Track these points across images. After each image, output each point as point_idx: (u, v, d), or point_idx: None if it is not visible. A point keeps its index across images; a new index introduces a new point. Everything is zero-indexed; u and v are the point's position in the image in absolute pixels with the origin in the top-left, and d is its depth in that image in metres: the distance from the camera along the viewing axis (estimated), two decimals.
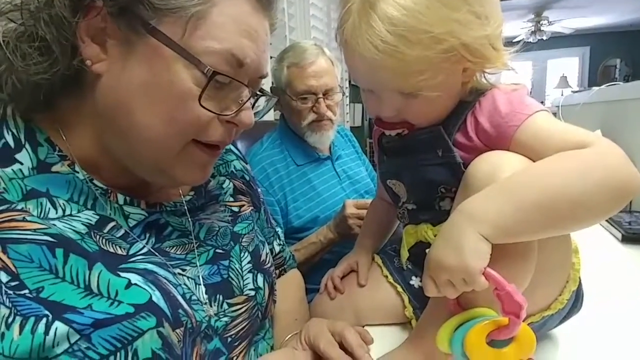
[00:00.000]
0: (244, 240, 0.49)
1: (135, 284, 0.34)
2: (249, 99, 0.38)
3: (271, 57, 1.03)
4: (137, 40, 0.34)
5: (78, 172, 0.37)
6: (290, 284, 0.64)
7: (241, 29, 0.36)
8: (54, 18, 0.32)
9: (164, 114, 0.35)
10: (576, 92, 1.53)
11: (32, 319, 0.29)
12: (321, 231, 0.87)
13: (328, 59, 0.95)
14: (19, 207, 0.32)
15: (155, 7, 0.32)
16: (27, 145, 0.35)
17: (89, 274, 0.32)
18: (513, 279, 0.33)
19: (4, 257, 0.30)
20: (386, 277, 0.56)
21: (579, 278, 0.42)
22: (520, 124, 0.39)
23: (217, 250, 0.45)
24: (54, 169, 0.36)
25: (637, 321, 0.52)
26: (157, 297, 0.35)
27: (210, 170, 0.43)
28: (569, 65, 6.42)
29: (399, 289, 0.54)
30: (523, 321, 0.33)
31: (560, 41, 5.77)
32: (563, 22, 5.09)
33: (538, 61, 6.56)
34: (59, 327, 0.29)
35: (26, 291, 0.30)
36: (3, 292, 0.29)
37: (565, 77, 5.88)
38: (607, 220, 0.92)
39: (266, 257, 0.52)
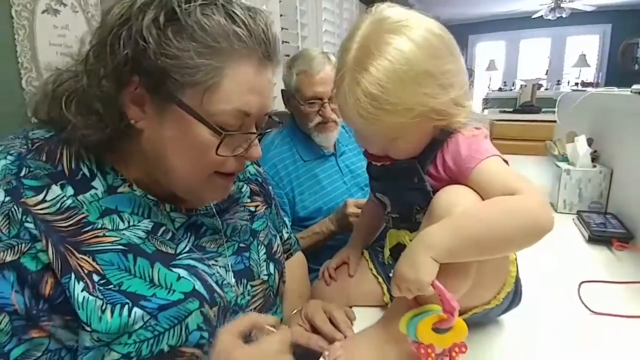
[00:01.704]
0: (260, 235, 0.63)
1: (183, 277, 0.48)
2: (255, 137, 0.50)
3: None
4: (167, 105, 0.44)
5: (136, 190, 0.49)
6: (296, 265, 0.78)
7: (247, 88, 0.45)
8: (104, 94, 0.43)
9: (191, 160, 0.47)
10: (575, 90, 1.58)
11: (118, 306, 0.42)
12: (324, 222, 1.00)
13: (334, 66, 1.04)
14: (99, 226, 0.45)
15: (179, 82, 0.43)
16: (98, 174, 0.47)
17: (152, 271, 0.46)
18: (454, 288, 0.46)
19: (94, 264, 0.43)
20: (371, 269, 0.70)
21: (514, 283, 0.55)
22: (474, 167, 0.49)
23: (241, 245, 0.59)
24: (119, 190, 0.48)
25: (575, 312, 0.65)
26: (198, 285, 0.49)
27: (230, 189, 0.55)
28: (589, 43, 6.22)
29: (380, 279, 0.68)
30: (460, 316, 0.47)
31: (581, 17, 5.54)
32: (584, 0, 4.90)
33: (557, 38, 6.37)
34: (136, 311, 0.43)
35: (111, 286, 0.43)
36: (97, 288, 0.42)
37: (584, 55, 5.69)
38: (579, 220, 1.03)
39: (277, 248, 0.66)
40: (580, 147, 1.14)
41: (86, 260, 0.42)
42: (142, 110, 0.45)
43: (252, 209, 0.66)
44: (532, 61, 6.68)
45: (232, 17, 0.43)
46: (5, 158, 0.43)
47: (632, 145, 1.01)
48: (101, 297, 0.42)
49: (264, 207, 0.69)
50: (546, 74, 6.32)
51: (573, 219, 1.08)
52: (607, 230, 0.93)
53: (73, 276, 0.41)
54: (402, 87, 0.46)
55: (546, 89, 5.47)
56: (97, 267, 0.43)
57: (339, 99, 0.51)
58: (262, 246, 0.63)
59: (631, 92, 1.00)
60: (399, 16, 0.49)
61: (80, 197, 0.45)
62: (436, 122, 0.50)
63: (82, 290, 0.41)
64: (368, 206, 0.78)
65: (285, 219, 0.83)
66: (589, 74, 6.02)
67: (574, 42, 6.29)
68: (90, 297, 0.41)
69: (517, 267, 0.56)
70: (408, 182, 0.56)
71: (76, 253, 0.42)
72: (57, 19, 0.98)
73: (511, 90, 5.11)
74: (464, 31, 7.01)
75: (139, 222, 0.48)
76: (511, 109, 3.42)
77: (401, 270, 0.46)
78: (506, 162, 0.52)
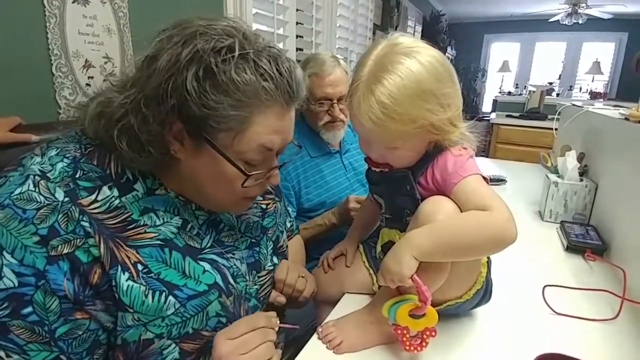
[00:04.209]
0: (269, 232, 0.72)
1: (208, 271, 0.57)
2: (275, 167, 0.58)
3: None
4: (202, 144, 0.51)
5: (170, 192, 0.57)
6: (293, 243, 0.89)
7: (271, 130, 0.53)
8: (153, 136, 0.50)
9: (220, 188, 0.55)
10: (576, 106, 1.64)
11: (157, 292, 0.51)
12: (326, 215, 1.09)
13: (343, 69, 1.12)
14: (142, 223, 0.53)
15: (214, 127, 0.50)
16: (140, 179, 0.55)
17: (184, 263, 0.55)
18: (430, 282, 0.55)
19: (138, 256, 0.51)
20: (364, 262, 0.79)
21: (484, 282, 0.64)
22: (457, 182, 0.58)
23: (252, 240, 0.68)
24: (156, 192, 0.56)
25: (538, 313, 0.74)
26: (218, 279, 0.58)
27: (250, 204, 0.65)
28: (604, 51, 6.17)
29: (371, 271, 0.77)
30: (436, 307, 0.56)
31: (598, 24, 5.50)
32: (602, 7, 4.86)
33: (573, 42, 6.32)
34: (170, 299, 0.52)
35: (152, 274, 0.51)
36: (141, 276, 0.50)
37: (599, 62, 5.66)
38: (561, 230, 1.11)
39: (283, 242, 0.75)
40: (570, 162, 1.21)
41: (132, 253, 0.51)
42: (182, 145, 0.52)
43: (264, 206, 0.74)
44: (545, 64, 6.65)
45: (260, 73, 0.50)
46: (62, 161, 0.50)
47: (615, 163, 1.08)
48: (144, 284, 0.50)
49: (275, 203, 0.77)
50: (559, 78, 6.31)
51: (556, 228, 1.16)
52: (583, 241, 1.01)
53: (120, 268, 0.49)
54: (409, 101, 0.54)
55: (558, 94, 5.48)
56: (141, 258, 0.51)
57: (353, 105, 0.58)
58: (270, 242, 0.72)
59: (619, 114, 1.07)
60: (410, 43, 0.58)
61: (123, 198, 0.52)
62: (432, 136, 0.59)
63: (127, 280, 0.49)
64: (366, 204, 0.87)
65: (290, 209, 0.92)
66: (601, 83, 5.99)
67: (589, 48, 6.25)
68: (135, 284, 0.50)
69: (488, 269, 0.65)
70: (401, 188, 0.65)
71: (124, 247, 0.50)
72: (86, 9, 1.05)
73: (520, 95, 5.11)
74: (480, 30, 6.97)
75: (171, 219, 0.57)
76: (518, 114, 3.45)
77: (387, 264, 0.56)
78: (486, 179, 0.60)
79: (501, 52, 7.01)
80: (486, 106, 6.89)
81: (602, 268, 0.92)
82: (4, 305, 0.43)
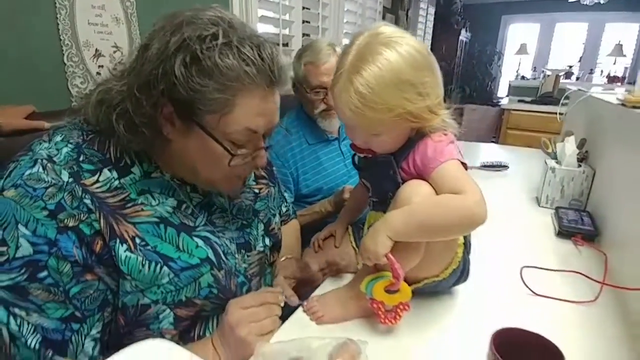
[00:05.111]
0: (260, 215, 0.77)
1: (200, 246, 0.62)
2: (261, 148, 0.62)
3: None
4: (191, 125, 0.56)
5: (165, 175, 0.63)
6: (290, 227, 0.95)
7: (255, 112, 0.57)
8: (146, 117, 0.55)
9: (209, 166, 0.60)
10: (582, 91, 1.62)
11: (153, 263, 0.57)
12: (323, 204, 1.13)
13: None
14: (139, 202, 0.58)
15: (201, 110, 0.54)
16: (137, 162, 0.60)
17: (178, 238, 0.60)
18: (406, 261, 0.59)
19: (136, 230, 0.57)
20: (351, 242, 0.83)
21: (460, 262, 0.67)
22: (435, 167, 0.60)
23: (243, 222, 0.73)
24: (152, 175, 0.61)
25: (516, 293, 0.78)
26: (210, 254, 0.63)
27: (240, 184, 0.69)
28: (627, 32, 5.90)
29: (358, 251, 0.81)
30: (414, 284, 0.61)
31: (620, 4, 5.24)
32: None
33: (594, 23, 6.07)
34: (165, 269, 0.58)
35: (149, 247, 0.57)
36: (138, 248, 0.56)
37: (621, 45, 5.43)
38: (555, 215, 1.13)
39: (275, 225, 0.80)
40: (568, 148, 1.22)
41: (130, 228, 0.56)
42: (173, 126, 0.57)
43: (257, 191, 0.79)
44: (565, 47, 6.42)
45: (243, 59, 0.53)
46: (67, 146, 0.56)
47: (612, 149, 1.08)
48: (141, 255, 0.56)
49: (268, 188, 0.82)
50: (579, 61, 6.09)
51: (551, 214, 1.18)
52: (575, 226, 1.03)
53: (118, 240, 0.54)
54: (387, 90, 0.57)
55: (577, 78, 5.29)
56: (138, 232, 0.57)
57: (335, 93, 0.61)
58: (261, 224, 0.77)
59: (616, 99, 1.06)
60: (391, 33, 0.60)
61: (122, 180, 0.58)
62: (412, 123, 0.61)
63: (125, 251, 0.55)
64: (357, 189, 0.91)
65: (286, 194, 0.97)
66: (622, 66, 5.76)
67: (611, 29, 5.98)
68: (132, 255, 0.55)
69: (466, 250, 0.68)
70: (385, 173, 0.68)
71: (123, 222, 0.56)
72: None
73: (534, 79, 4.97)
74: (498, 10, 6.74)
75: (166, 199, 0.62)
76: (530, 99, 3.39)
77: (365, 243, 0.60)
78: (465, 165, 0.63)
79: (519, 34, 6.78)
80: (502, 91, 6.73)
81: (589, 253, 0.94)
82: (22, 271, 0.49)
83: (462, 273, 0.70)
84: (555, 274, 0.83)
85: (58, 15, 1.01)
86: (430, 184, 0.61)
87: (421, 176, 0.63)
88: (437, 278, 0.68)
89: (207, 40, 0.52)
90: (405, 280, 0.61)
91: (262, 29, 1.82)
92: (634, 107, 0.88)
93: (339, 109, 0.63)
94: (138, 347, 0.44)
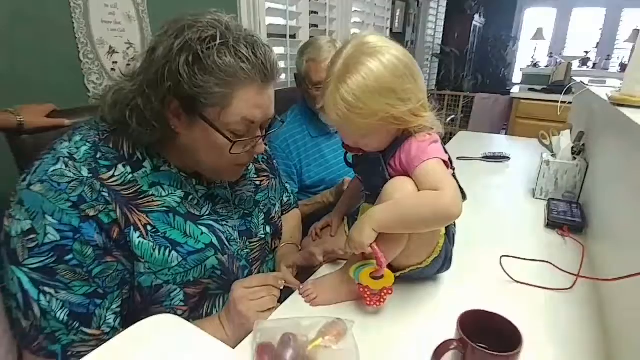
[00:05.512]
0: (261, 205, 0.84)
1: (205, 233, 0.70)
2: (259, 137, 0.69)
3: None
4: (195, 118, 0.62)
5: (173, 169, 0.70)
6: (290, 216, 1.01)
7: (252, 104, 0.63)
8: (155, 112, 0.61)
9: (213, 156, 0.66)
10: (584, 84, 1.63)
11: (163, 248, 0.64)
12: (324, 195, 1.19)
13: None
14: (150, 193, 0.66)
15: (203, 104, 0.61)
16: (147, 158, 0.68)
17: (185, 226, 0.68)
18: (389, 250, 0.66)
19: (148, 219, 0.64)
20: (346, 232, 0.89)
21: (441, 251, 0.73)
22: (417, 165, 0.66)
23: (245, 212, 0.80)
24: (161, 169, 0.69)
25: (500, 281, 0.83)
26: (214, 240, 0.71)
27: (242, 172, 0.76)
28: None
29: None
30: (400, 271, 0.68)
31: None
32: None
33: (612, 8, 5.88)
34: (173, 253, 0.65)
35: (159, 234, 0.65)
36: (149, 235, 0.64)
37: (638, 30, 5.28)
38: (547, 206, 1.17)
39: (275, 214, 0.87)
40: (563, 141, 1.25)
41: (143, 217, 0.64)
42: (179, 119, 0.63)
43: (258, 183, 0.86)
44: (582, 32, 6.24)
45: (239, 56, 0.60)
46: (85, 144, 0.63)
47: (605, 143, 1.11)
48: (152, 240, 0.64)
49: (268, 180, 0.89)
50: (596, 47, 5.93)
51: (544, 206, 1.22)
52: (563, 218, 1.07)
53: (132, 228, 0.62)
54: (370, 97, 0.62)
55: (594, 64, 5.15)
56: (150, 221, 0.64)
57: (325, 99, 0.67)
58: (262, 213, 0.84)
59: (605, 94, 1.08)
60: (375, 43, 0.65)
61: (135, 174, 0.65)
62: (395, 125, 0.67)
63: (138, 237, 0.63)
64: (353, 182, 0.97)
65: (287, 185, 1.03)
66: None
67: (629, 15, 5.79)
68: (145, 241, 0.63)
69: (449, 241, 0.74)
70: (374, 169, 0.74)
71: (136, 211, 0.63)
72: None
73: (547, 66, 4.86)
74: None
75: (175, 191, 0.69)
76: (540, 88, 3.35)
77: (352, 234, 0.66)
78: (447, 162, 0.68)
79: (535, 18, 6.61)
80: (516, 77, 6.61)
81: (574, 244, 0.99)
82: (50, 255, 0.56)
83: (444, 261, 0.76)
84: (536, 264, 0.88)
85: (73, 15, 1.07)
86: (414, 181, 0.66)
87: (406, 173, 0.69)
88: (421, 265, 0.74)
89: (206, 41, 0.59)
90: (390, 267, 0.67)
91: (270, 21, 1.86)
92: (619, 104, 0.90)
93: (327, 114, 0.68)
94: (150, 320, 0.52)
